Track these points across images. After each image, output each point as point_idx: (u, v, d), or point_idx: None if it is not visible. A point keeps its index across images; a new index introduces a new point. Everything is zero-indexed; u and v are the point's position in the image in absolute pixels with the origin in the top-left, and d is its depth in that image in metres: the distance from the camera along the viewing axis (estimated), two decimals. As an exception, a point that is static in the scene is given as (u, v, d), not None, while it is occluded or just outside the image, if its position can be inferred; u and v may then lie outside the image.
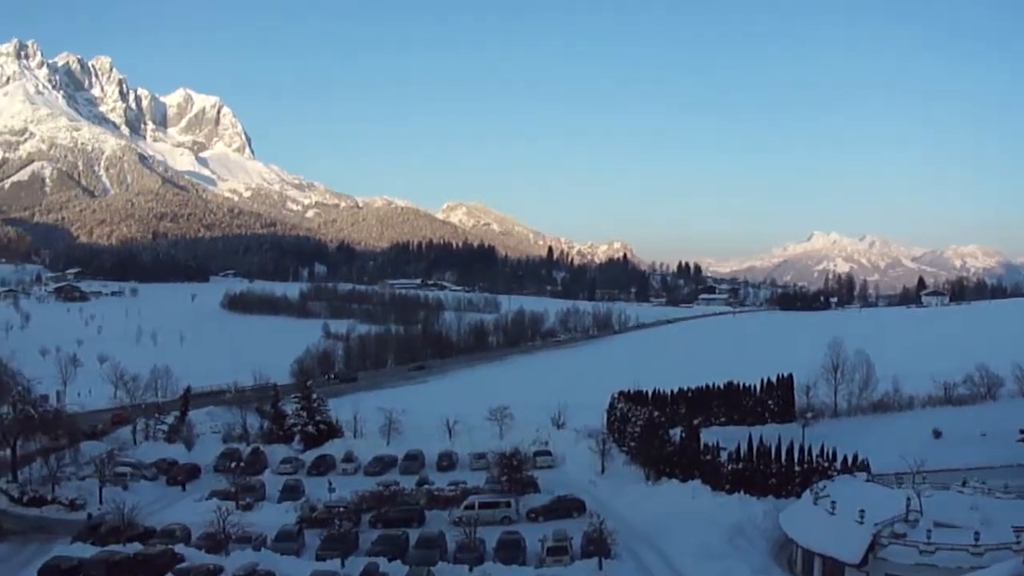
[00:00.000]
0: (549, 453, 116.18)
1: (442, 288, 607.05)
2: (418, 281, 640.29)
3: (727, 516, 79.28)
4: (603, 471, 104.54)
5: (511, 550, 74.26)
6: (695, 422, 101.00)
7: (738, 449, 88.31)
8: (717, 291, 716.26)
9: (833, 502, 68.94)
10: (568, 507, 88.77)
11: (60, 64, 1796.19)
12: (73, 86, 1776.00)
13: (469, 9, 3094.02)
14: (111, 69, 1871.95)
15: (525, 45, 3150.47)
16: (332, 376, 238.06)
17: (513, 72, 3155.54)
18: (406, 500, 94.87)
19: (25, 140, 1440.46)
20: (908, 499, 66.40)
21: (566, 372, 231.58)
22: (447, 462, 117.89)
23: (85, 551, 76.67)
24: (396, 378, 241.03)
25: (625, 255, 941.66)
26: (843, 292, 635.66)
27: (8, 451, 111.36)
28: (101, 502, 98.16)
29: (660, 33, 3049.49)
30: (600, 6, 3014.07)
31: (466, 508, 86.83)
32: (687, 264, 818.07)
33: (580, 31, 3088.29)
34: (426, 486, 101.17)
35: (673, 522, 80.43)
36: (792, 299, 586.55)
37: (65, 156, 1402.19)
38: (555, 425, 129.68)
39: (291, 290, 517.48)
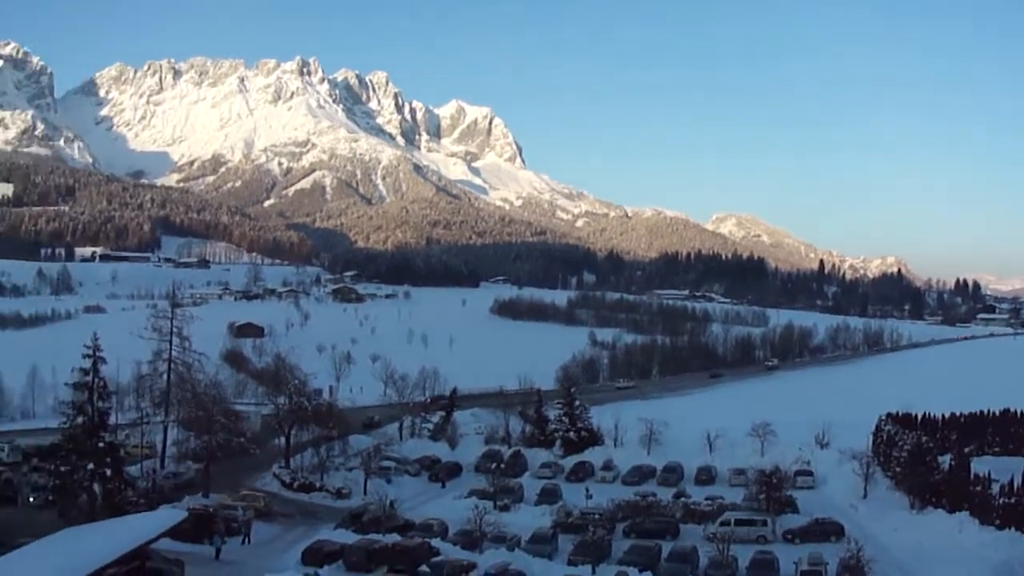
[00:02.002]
0: (810, 473, 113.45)
1: (710, 300, 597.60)
2: (686, 292, 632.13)
3: (995, 553, 74.88)
4: (865, 495, 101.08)
5: (764, 570, 72.80)
6: (966, 450, 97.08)
7: (1011, 481, 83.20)
8: (997, 310, 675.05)
9: (1113, 545, 64.62)
10: (826, 530, 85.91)
11: (339, 79, 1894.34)
12: (351, 100, 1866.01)
13: (739, 23, 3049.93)
14: (387, 83, 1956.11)
15: (790, 57, 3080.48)
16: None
17: (784, 84, 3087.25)
18: (662, 512, 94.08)
19: (308, 151, 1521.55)
20: None
21: (833, 390, 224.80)
22: (706, 476, 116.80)
23: (347, 537, 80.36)
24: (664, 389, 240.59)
25: (899, 270, 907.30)
26: None
27: (283, 439, 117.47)
28: (365, 493, 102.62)
29: (934, 39, 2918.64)
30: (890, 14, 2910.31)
31: (721, 524, 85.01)
32: (965, 281, 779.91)
33: (850, 40, 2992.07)
34: (683, 499, 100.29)
35: (936, 555, 76.96)
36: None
37: (344, 166, 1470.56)
38: (818, 444, 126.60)
39: (559, 297, 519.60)
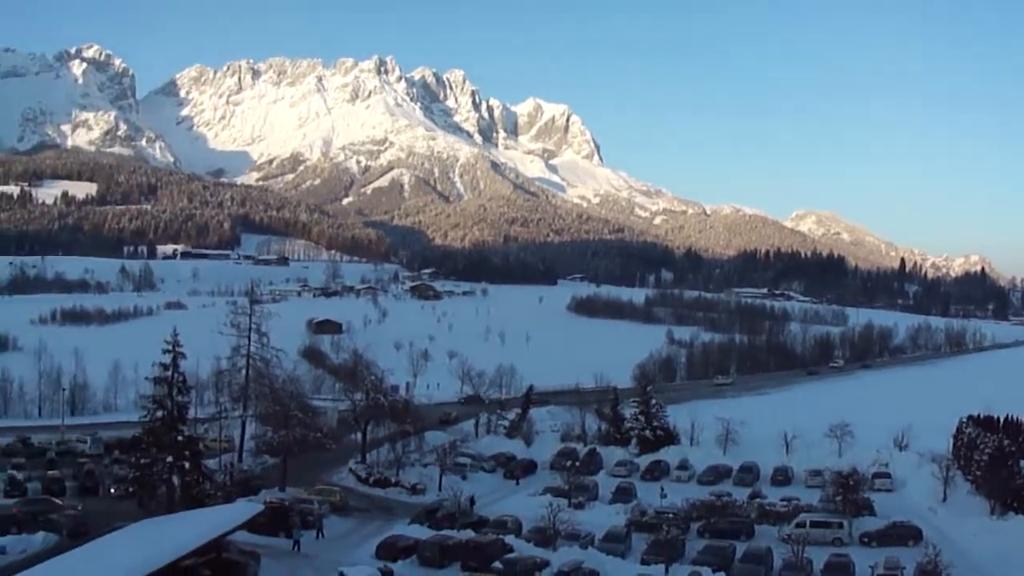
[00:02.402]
0: (888, 475, 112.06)
1: (789, 298, 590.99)
2: (764, 290, 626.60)
3: (1080, 561, 73.59)
4: (944, 499, 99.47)
5: (839, 573, 71.90)
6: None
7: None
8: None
9: None
10: (903, 534, 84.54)
11: (416, 78, 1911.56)
12: (429, 98, 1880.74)
13: (816, 19, 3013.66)
14: (464, 81, 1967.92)
15: (868, 54, 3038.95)
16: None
17: (864, 80, 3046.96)
18: (736, 512, 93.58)
19: (386, 149, 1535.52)
20: None
21: (913, 391, 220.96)
22: (782, 477, 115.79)
23: (421, 533, 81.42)
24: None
25: (982, 269, 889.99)
26: None
27: (359, 435, 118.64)
28: (440, 489, 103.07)
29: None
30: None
31: (797, 525, 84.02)
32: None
33: (935, 36, 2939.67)
34: (758, 500, 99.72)
35: (1016, 561, 75.46)
36: None
37: (422, 164, 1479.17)
38: (897, 446, 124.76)
39: (637, 295, 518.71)
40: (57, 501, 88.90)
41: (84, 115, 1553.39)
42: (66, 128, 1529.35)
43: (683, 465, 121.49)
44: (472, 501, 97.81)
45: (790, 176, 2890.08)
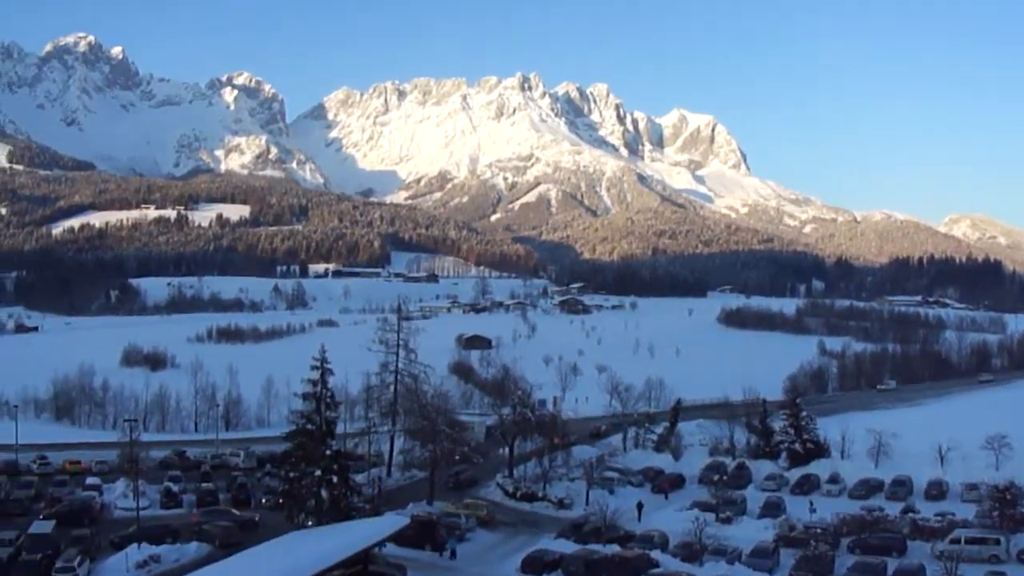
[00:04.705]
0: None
1: (944, 306, 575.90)
2: (918, 298, 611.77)
3: None
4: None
5: (995, 592, 69.82)
6: None
7: None
8: None
9: None
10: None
11: (560, 93, 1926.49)
12: (573, 113, 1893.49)
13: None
14: (608, 95, 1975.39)
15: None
16: None
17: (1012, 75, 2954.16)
18: (888, 528, 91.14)
19: (532, 165, 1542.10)
20: None
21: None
22: (936, 491, 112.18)
23: (567, 547, 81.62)
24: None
25: None
26: None
27: (506, 449, 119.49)
28: (587, 503, 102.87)
29: None
30: None
31: (951, 542, 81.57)
32: None
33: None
34: (911, 514, 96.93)
35: None
36: None
37: (568, 178, 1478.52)
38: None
39: (787, 306, 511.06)
40: (235, 512, 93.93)
41: (236, 140, 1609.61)
42: (219, 153, 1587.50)
43: (834, 479, 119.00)
44: (640, 506, 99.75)
45: (943, 180, 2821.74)
